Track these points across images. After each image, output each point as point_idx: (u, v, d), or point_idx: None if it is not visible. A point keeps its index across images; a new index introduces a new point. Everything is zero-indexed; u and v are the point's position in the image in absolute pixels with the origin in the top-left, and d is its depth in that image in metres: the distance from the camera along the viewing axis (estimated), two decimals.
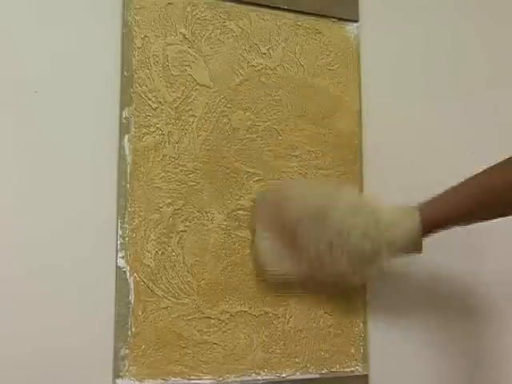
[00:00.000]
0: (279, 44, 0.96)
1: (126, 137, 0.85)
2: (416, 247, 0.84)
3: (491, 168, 0.82)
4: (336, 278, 0.87)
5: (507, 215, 0.84)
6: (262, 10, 0.95)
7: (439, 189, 1.04)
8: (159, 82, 0.88)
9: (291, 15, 0.97)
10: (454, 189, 0.84)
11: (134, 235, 0.84)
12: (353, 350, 0.95)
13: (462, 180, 0.84)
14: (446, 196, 0.84)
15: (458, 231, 0.87)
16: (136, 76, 0.87)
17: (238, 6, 0.93)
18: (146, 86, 0.87)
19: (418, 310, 1.01)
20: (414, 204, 0.85)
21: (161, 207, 0.86)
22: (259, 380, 0.89)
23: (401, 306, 1.00)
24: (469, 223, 0.86)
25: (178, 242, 0.87)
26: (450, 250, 1.04)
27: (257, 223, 0.89)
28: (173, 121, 0.88)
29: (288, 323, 0.92)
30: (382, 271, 0.86)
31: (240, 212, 0.90)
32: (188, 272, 0.87)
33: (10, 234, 0.79)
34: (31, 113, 0.81)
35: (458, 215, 0.84)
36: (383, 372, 0.97)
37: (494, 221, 0.85)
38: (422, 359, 1.00)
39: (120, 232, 0.83)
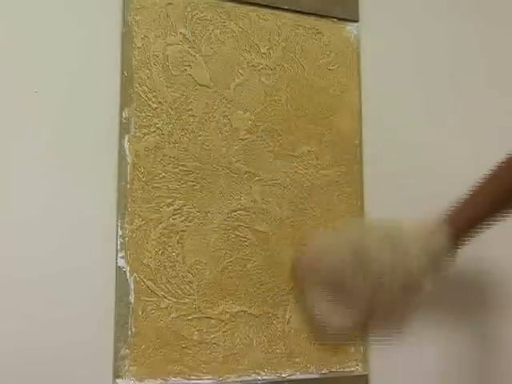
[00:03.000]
0: (279, 44, 0.96)
1: (126, 137, 0.85)
2: (451, 259, 0.81)
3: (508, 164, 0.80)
4: (390, 316, 0.82)
5: None
6: (262, 10, 0.95)
7: (439, 187, 1.04)
8: (159, 81, 0.88)
9: (291, 15, 0.97)
10: (475, 192, 0.81)
11: (134, 235, 0.84)
12: (353, 350, 0.95)
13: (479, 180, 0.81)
14: (468, 203, 0.81)
15: None
16: (136, 76, 0.87)
17: (238, 6, 0.93)
18: (146, 86, 0.87)
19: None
20: (437, 216, 0.81)
21: (161, 207, 0.86)
22: (259, 380, 0.89)
23: None
24: (498, 220, 0.83)
25: (177, 242, 0.87)
26: None
27: (301, 285, 0.84)
28: (173, 121, 0.88)
29: (288, 323, 0.92)
30: (429, 293, 0.82)
31: (240, 212, 0.90)
32: (188, 272, 0.87)
33: (10, 234, 0.79)
34: (31, 113, 0.81)
35: (482, 219, 0.80)
36: (383, 372, 0.97)
37: None
38: (422, 359, 1.00)
39: (120, 232, 0.83)
